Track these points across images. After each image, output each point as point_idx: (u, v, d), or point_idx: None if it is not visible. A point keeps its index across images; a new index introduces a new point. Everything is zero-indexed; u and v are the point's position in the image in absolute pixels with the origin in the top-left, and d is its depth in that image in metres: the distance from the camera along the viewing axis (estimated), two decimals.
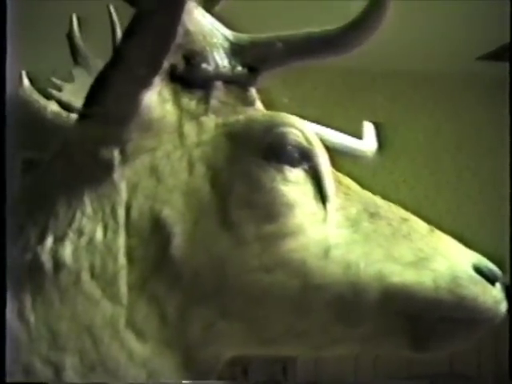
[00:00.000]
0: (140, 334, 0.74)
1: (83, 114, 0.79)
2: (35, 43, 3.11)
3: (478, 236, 4.11)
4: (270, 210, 0.76)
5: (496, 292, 0.80)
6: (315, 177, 0.80)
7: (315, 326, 0.77)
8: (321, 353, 0.85)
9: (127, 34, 0.74)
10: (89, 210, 0.75)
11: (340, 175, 0.85)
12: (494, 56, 3.92)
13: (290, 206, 0.77)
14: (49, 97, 1.02)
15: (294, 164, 0.79)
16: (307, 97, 3.83)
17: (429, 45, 3.73)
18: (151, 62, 0.75)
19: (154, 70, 0.76)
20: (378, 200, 0.85)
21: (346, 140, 0.98)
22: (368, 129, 1.03)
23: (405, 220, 0.83)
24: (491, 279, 0.81)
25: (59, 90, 1.10)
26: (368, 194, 0.85)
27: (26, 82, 0.89)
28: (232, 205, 0.76)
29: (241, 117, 0.81)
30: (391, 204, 0.85)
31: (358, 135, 0.99)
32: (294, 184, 0.78)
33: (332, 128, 0.95)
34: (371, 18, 0.81)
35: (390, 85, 4.16)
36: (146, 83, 0.76)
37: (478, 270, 0.81)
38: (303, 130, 0.80)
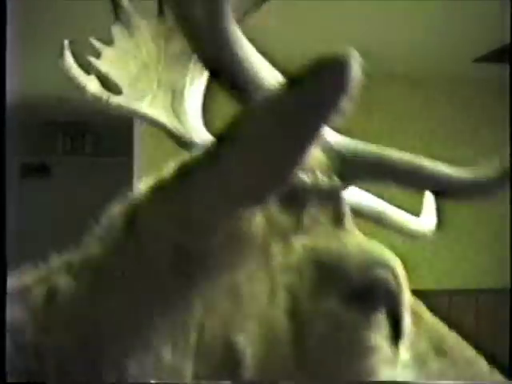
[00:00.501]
0: None
1: (164, 199, 0.68)
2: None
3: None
4: (350, 354, 0.70)
5: None
6: (395, 318, 0.73)
7: None
8: None
9: (236, 134, 0.60)
10: (158, 324, 0.67)
11: (413, 302, 0.79)
12: (491, 58, 3.92)
13: (368, 351, 0.71)
14: (88, 68, 0.96)
15: (380, 307, 0.72)
16: None
17: (425, 47, 3.73)
18: (260, 188, 0.63)
19: (257, 199, 0.65)
20: (445, 331, 0.80)
21: (405, 218, 0.93)
22: (428, 202, 0.97)
23: (468, 360, 0.78)
24: None
25: (98, 55, 1.02)
26: (437, 324, 0.80)
27: (67, 53, 0.81)
28: (310, 343, 0.69)
29: (333, 245, 0.73)
30: (458, 337, 0.80)
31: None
32: (375, 328, 0.71)
33: None
34: None
35: (386, 88, 4.15)
36: (244, 205, 0.65)
37: None
38: (395, 271, 0.73)
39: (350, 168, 0.74)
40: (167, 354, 0.67)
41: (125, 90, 1.03)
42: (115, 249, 0.70)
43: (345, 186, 0.74)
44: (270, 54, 0.72)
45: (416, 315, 0.78)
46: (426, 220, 0.96)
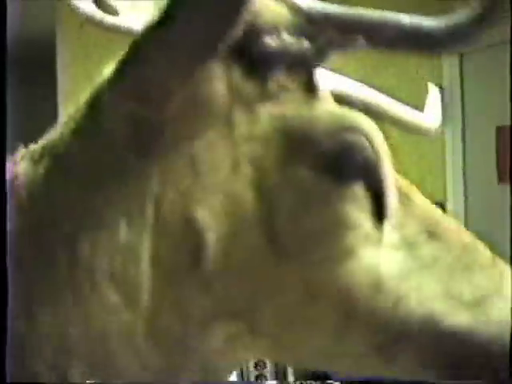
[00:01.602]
0: (158, 343, 0.66)
1: (119, 78, 0.66)
2: None
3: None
4: (322, 230, 0.66)
5: None
6: (376, 193, 0.68)
7: (349, 353, 0.69)
8: (346, 372, 0.75)
9: (180, 6, 0.61)
10: (113, 199, 0.65)
11: (400, 180, 0.74)
12: None
13: (343, 226, 0.66)
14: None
15: (356, 178, 0.67)
16: None
17: None
18: (211, 36, 0.62)
19: (210, 48, 0.63)
20: (438, 214, 0.74)
21: (408, 114, 0.86)
22: (433, 96, 0.92)
23: (466, 246, 0.72)
24: None
25: None
26: (428, 206, 0.74)
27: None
28: (278, 218, 0.65)
29: (303, 111, 0.68)
30: (452, 220, 0.75)
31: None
32: (351, 201, 0.67)
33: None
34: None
35: None
36: (201, 58, 0.63)
37: None
38: (373, 138, 0.68)
39: (319, 29, 0.68)
40: (122, 231, 0.64)
41: (121, 11, 0.98)
42: (73, 131, 0.69)
43: (315, 51, 0.68)
44: None
45: (405, 196, 0.73)
46: (429, 115, 0.90)
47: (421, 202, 0.74)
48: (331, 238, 0.66)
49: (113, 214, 0.65)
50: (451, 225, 0.74)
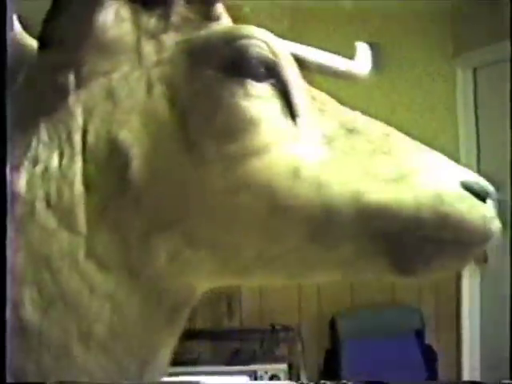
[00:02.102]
0: (102, 265, 0.70)
1: (41, 40, 0.75)
2: None
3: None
4: (232, 128, 0.72)
5: (485, 209, 0.74)
6: (283, 91, 0.74)
7: (287, 249, 0.73)
8: (300, 280, 0.82)
9: None
10: (44, 137, 0.72)
11: (315, 91, 0.79)
12: None
13: (253, 123, 0.72)
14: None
15: (258, 79, 0.73)
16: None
17: None
18: None
19: None
20: (358, 116, 0.79)
21: (335, 61, 0.91)
22: (362, 49, 0.97)
23: (387, 135, 0.77)
24: (482, 196, 0.74)
25: None
26: (347, 110, 0.80)
27: (17, 26, 0.84)
28: (192, 124, 0.72)
29: (202, 32, 0.76)
30: (372, 119, 0.80)
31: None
32: (257, 99, 0.73)
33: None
34: None
35: (321, 22, 4.14)
36: (96, 1, 0.72)
37: (467, 186, 0.74)
38: (268, 42, 0.75)
39: None
40: (55, 162, 0.71)
41: None
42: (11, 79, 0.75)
43: None
44: None
45: (318, 101, 0.78)
46: (359, 63, 0.95)
47: (338, 106, 0.80)
48: (244, 134, 0.71)
49: (46, 150, 0.72)
50: (373, 122, 0.79)
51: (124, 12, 0.75)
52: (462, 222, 0.72)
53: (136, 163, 0.71)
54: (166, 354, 0.78)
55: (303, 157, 0.72)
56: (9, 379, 0.67)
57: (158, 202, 0.72)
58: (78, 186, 0.71)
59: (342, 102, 0.82)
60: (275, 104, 0.74)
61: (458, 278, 4.09)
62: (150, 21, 0.76)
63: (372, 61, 0.92)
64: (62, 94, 0.73)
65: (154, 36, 0.76)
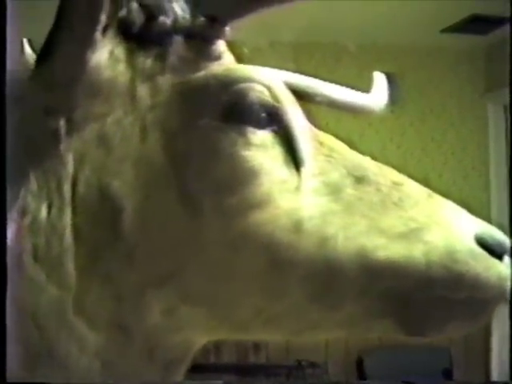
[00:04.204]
0: (92, 321, 0.67)
1: (33, 79, 0.70)
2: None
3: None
4: (231, 180, 0.67)
5: (502, 267, 0.69)
6: (286, 138, 0.69)
7: (288, 308, 0.68)
8: (302, 337, 0.75)
9: None
10: (34, 186, 0.67)
11: (322, 135, 0.75)
12: (458, 28, 3.94)
13: (254, 174, 0.67)
14: None
15: (259, 125, 0.69)
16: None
17: (392, 17, 3.73)
18: (89, 17, 0.66)
19: (92, 25, 0.67)
20: (367, 162, 0.74)
21: (349, 95, 0.84)
22: (378, 80, 0.90)
23: (397, 184, 0.72)
24: (498, 252, 0.69)
25: None
26: (356, 156, 0.74)
27: (27, 50, 0.80)
28: (189, 174, 0.68)
29: (200, 74, 0.71)
30: (383, 166, 0.74)
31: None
32: (258, 148, 0.68)
33: None
34: None
35: (354, 58, 4.16)
36: (87, 41, 0.67)
37: (482, 241, 0.69)
38: (270, 85, 0.70)
39: (212, 2, 0.72)
40: (43, 212, 0.67)
41: None
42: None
43: (209, 22, 0.72)
44: None
45: (326, 146, 0.73)
46: (375, 96, 0.88)
47: (346, 152, 0.74)
48: (244, 186, 0.67)
49: (34, 200, 0.67)
50: (383, 169, 0.74)
51: (119, 52, 0.70)
52: (476, 281, 0.67)
53: (128, 215, 0.67)
54: None
55: (306, 208, 0.68)
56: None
57: (152, 256, 0.67)
58: (68, 239, 0.67)
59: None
60: (277, 152, 0.69)
61: None
62: (146, 61, 0.71)
63: (389, 92, 0.87)
64: (53, 140, 0.68)
65: (149, 78, 0.71)
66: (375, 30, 3.93)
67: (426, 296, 0.68)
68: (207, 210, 0.67)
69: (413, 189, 0.73)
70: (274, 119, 0.70)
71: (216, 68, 0.72)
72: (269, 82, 0.70)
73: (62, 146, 0.68)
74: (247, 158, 0.68)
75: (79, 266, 0.66)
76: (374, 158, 0.76)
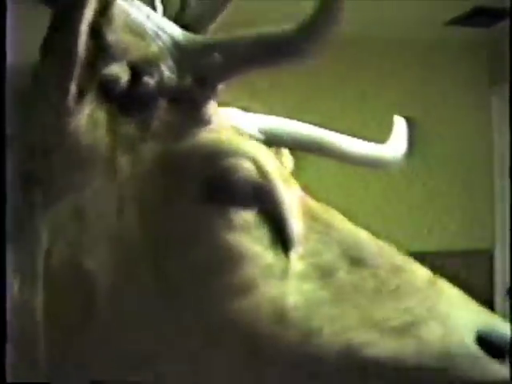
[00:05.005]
0: None
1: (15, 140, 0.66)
2: None
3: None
4: (213, 264, 0.63)
5: (500, 370, 0.62)
6: (274, 218, 0.65)
7: None
8: None
9: (41, 53, 0.64)
10: (10, 259, 0.62)
11: (317, 207, 0.69)
12: (462, 21, 3.92)
13: (237, 259, 0.62)
14: None
15: (245, 204, 0.64)
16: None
17: (396, 11, 3.72)
18: (59, 86, 0.63)
19: (62, 93, 0.63)
20: (366, 240, 0.68)
21: (365, 147, 0.77)
22: (399, 125, 0.81)
23: (397, 268, 0.66)
24: (501, 348, 0.63)
25: None
26: (354, 231, 0.68)
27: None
28: (167, 255, 0.63)
29: (185, 142, 0.66)
30: (384, 246, 0.69)
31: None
32: (242, 230, 0.63)
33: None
34: (324, 20, 0.63)
35: (358, 52, 4.15)
36: (60, 109, 0.63)
37: (484, 337, 0.63)
38: (257, 160, 0.65)
39: (202, 61, 0.66)
40: (15, 287, 0.62)
41: None
42: None
43: (199, 82, 0.66)
44: None
45: (321, 222, 0.67)
46: (393, 146, 0.80)
47: (344, 227, 0.68)
48: (225, 271, 0.62)
49: (9, 273, 0.62)
50: (382, 249, 0.68)
51: (99, 116, 0.65)
52: (467, 381, 0.62)
53: (102, 296, 0.62)
54: None
55: (291, 296, 0.62)
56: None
57: (127, 341, 0.63)
58: (40, 316, 0.62)
59: None
60: (263, 233, 0.64)
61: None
62: (129, 127, 0.65)
63: (408, 139, 0.79)
64: (30, 212, 0.63)
65: (130, 146, 0.65)
66: (378, 24, 3.91)
67: None
68: (185, 294, 0.63)
69: (414, 273, 0.67)
70: (260, 197, 0.65)
71: (203, 137, 0.66)
72: (257, 157, 0.66)
73: (37, 220, 0.63)
74: (229, 241, 0.63)
75: (51, 347, 0.62)
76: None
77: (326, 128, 0.75)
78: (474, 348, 0.62)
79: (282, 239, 0.64)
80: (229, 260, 0.62)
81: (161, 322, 0.62)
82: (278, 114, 0.75)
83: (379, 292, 0.64)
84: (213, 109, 0.68)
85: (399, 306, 0.63)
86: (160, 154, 0.65)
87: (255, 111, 0.75)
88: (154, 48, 0.66)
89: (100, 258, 0.62)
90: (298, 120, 0.75)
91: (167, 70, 0.65)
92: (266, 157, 0.67)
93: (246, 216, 0.64)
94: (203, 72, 0.66)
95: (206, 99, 0.67)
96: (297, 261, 0.64)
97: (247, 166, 0.64)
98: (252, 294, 0.62)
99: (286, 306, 0.62)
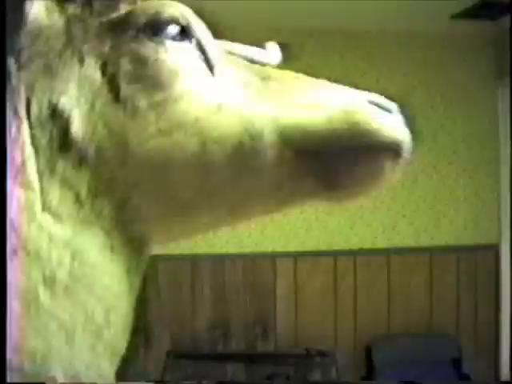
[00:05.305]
0: (57, 217, 0.78)
1: None
2: None
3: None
4: (158, 79, 0.82)
5: (391, 118, 0.85)
6: (199, 49, 0.86)
7: (223, 181, 0.83)
8: (241, 217, 0.91)
9: None
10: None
11: (232, 56, 0.91)
12: (469, 14, 3.90)
13: (176, 73, 0.83)
14: None
15: (175, 39, 0.84)
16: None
17: (403, 4, 3.70)
18: None
19: None
20: (270, 69, 0.92)
21: (251, 51, 0.99)
22: (270, 46, 1.05)
23: (297, 78, 0.90)
24: (386, 109, 0.86)
25: None
26: (261, 67, 0.92)
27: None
28: (122, 82, 0.82)
29: (121, 12, 0.87)
30: (285, 71, 0.91)
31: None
32: (176, 54, 0.84)
33: None
34: None
35: (363, 45, 4.13)
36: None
37: (373, 103, 0.86)
38: (181, 10, 0.86)
39: None
40: (8, 128, 0.79)
41: None
42: None
43: None
44: None
45: (233, 60, 0.89)
46: (270, 52, 1.02)
47: (254, 66, 0.91)
48: (169, 83, 0.82)
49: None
50: (285, 72, 0.90)
51: (52, 5, 0.86)
52: (371, 127, 0.83)
53: (77, 123, 0.80)
54: (130, 303, 0.84)
55: (224, 95, 0.84)
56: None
57: (101, 154, 0.80)
58: (28, 149, 0.79)
59: None
60: (193, 58, 0.85)
61: (497, 303, 4.02)
62: (76, 9, 0.86)
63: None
64: (7, 76, 0.82)
65: (80, 20, 0.85)
66: (384, 17, 3.90)
67: (334, 150, 0.83)
68: (143, 107, 0.81)
69: (312, 81, 0.90)
70: (186, 35, 0.85)
71: (133, 6, 0.87)
72: (181, 8, 0.86)
73: (14, 80, 0.81)
74: (168, 60, 0.83)
75: (40, 170, 0.79)
76: None
77: None
78: (368, 105, 0.85)
79: (207, 64, 0.85)
80: (171, 74, 0.82)
81: (125, 134, 0.80)
82: None
83: (288, 92, 0.87)
84: None
85: (307, 95, 0.86)
86: (104, 21, 0.85)
87: None
88: None
89: (71, 95, 0.81)
90: None
91: None
92: (187, 10, 0.87)
93: (178, 44, 0.84)
94: None
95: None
96: (221, 76, 0.86)
97: (174, 12, 0.85)
98: (193, 97, 0.82)
99: (220, 100, 0.83)
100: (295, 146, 0.82)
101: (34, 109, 0.80)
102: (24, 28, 0.84)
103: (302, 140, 0.82)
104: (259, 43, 0.99)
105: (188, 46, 0.85)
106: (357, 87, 0.89)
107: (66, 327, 0.76)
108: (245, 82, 0.86)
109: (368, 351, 3.83)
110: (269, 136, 0.81)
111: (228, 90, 0.84)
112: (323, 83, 0.90)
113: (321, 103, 0.85)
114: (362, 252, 4.05)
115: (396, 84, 4.08)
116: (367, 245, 4.06)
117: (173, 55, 0.84)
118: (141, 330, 3.70)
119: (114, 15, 0.86)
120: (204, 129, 0.81)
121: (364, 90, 0.89)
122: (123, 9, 0.87)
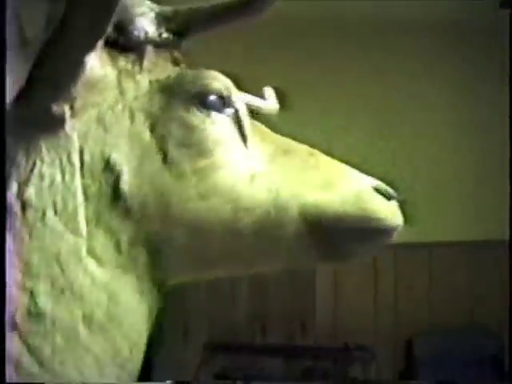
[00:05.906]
0: (100, 261, 0.87)
1: (33, 77, 0.87)
2: None
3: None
4: (203, 147, 0.93)
5: (392, 205, 1.01)
6: (236, 120, 0.97)
7: (246, 246, 0.94)
8: (249, 269, 1.04)
9: (71, 3, 0.84)
10: (47, 158, 0.87)
11: (254, 122, 1.02)
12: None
13: (218, 143, 0.93)
14: None
15: (219, 110, 0.95)
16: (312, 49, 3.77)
17: None
18: (93, 30, 0.86)
19: (95, 37, 0.87)
20: (288, 140, 1.03)
21: (252, 101, 1.12)
22: (268, 92, 1.21)
23: (312, 154, 1.02)
24: (388, 197, 1.00)
25: None
26: (280, 137, 1.03)
27: None
28: (170, 146, 0.91)
29: (171, 74, 0.97)
30: (300, 143, 1.03)
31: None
32: (220, 125, 0.95)
33: None
34: None
35: (403, 35, 4.07)
36: (88, 49, 0.87)
37: (377, 189, 0.99)
38: (224, 82, 0.97)
39: (173, 22, 0.99)
40: (58, 177, 0.87)
41: None
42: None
43: (176, 37, 0.99)
44: None
45: (261, 131, 1.02)
46: (269, 101, 1.18)
47: (274, 135, 1.03)
48: (212, 152, 0.93)
49: (49, 168, 0.87)
50: (300, 145, 1.03)
51: (105, 57, 0.92)
52: (377, 213, 0.97)
53: (126, 178, 0.89)
54: (146, 337, 0.94)
55: (255, 168, 0.95)
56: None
57: (144, 209, 0.89)
58: (79, 197, 0.87)
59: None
60: (232, 129, 0.96)
61: None
62: (127, 64, 0.95)
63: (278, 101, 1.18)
64: (60, 122, 0.88)
65: (131, 76, 0.94)
66: (429, 6, 3.84)
67: (342, 227, 0.96)
68: (186, 171, 0.91)
69: (323, 157, 1.03)
70: (227, 105, 0.97)
71: (182, 70, 0.99)
72: (223, 79, 0.97)
73: (68, 127, 0.88)
74: (213, 131, 0.94)
75: (88, 218, 0.87)
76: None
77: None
78: (374, 192, 0.99)
79: (241, 134, 0.97)
80: (215, 144, 0.93)
81: (168, 194, 0.91)
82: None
83: (306, 167, 0.99)
84: (179, 56, 1.01)
85: (320, 174, 0.99)
86: (154, 80, 0.96)
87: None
88: (139, 12, 0.97)
89: (122, 150, 0.90)
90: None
91: (148, 28, 0.97)
92: (228, 81, 0.98)
93: (222, 117, 0.96)
94: (175, 29, 0.99)
95: (177, 47, 1.01)
96: (251, 149, 0.97)
97: (218, 84, 0.96)
98: (230, 167, 0.93)
99: (254, 173, 0.95)
100: (310, 222, 0.95)
101: (87, 158, 0.88)
102: (80, 77, 0.89)
103: (317, 217, 0.95)
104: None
105: (228, 118, 0.96)
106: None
107: (99, 360, 0.86)
108: (270, 155, 0.98)
109: (408, 345, 3.79)
110: (292, 210, 0.94)
111: (258, 162, 0.96)
112: (332, 161, 1.03)
113: (335, 184, 0.98)
114: (402, 246, 3.99)
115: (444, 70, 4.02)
116: (408, 239, 4.00)
117: (217, 126, 0.94)
118: (179, 322, 3.72)
119: (163, 77, 0.96)
120: (238, 197, 0.92)
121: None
122: (171, 70, 0.98)
